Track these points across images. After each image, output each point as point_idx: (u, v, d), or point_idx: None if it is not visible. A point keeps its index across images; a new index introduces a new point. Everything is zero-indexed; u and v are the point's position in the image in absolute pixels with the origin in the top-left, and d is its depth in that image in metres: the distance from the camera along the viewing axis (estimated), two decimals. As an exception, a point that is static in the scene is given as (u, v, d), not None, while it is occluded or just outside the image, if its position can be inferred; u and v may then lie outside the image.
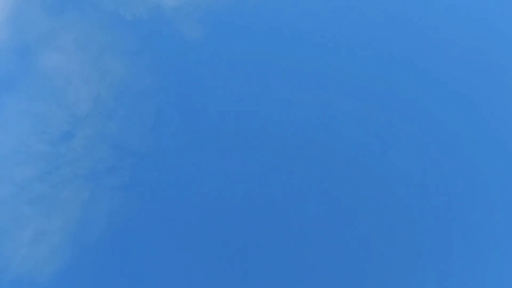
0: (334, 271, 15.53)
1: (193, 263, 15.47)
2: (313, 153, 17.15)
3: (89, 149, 17.32)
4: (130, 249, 15.91)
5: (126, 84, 18.37)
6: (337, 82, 18.32)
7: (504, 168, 17.05)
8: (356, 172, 16.99)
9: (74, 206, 16.58)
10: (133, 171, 16.99)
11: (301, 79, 18.54)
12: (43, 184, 16.79)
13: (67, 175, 16.92)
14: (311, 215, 16.33)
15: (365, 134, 17.42)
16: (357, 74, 18.39)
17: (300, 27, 19.42)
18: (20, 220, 16.37)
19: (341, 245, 15.95)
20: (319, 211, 16.41)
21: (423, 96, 18.32)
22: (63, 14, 19.53)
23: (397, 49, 19.03)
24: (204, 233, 15.89)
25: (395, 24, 19.52)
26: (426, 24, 19.44)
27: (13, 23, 19.46)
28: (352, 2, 19.76)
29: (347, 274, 15.54)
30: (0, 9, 19.34)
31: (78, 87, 18.28)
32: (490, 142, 17.48)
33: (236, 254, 15.57)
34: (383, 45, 19.01)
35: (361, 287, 15.39)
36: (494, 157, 17.26)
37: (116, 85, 18.33)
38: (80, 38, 19.12)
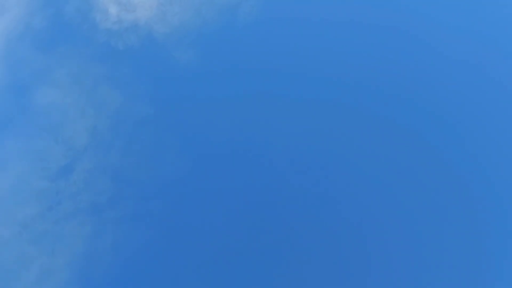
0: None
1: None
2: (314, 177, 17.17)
3: (89, 182, 17.29)
4: (136, 281, 15.75)
5: (123, 114, 18.41)
6: (335, 105, 18.43)
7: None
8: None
9: (78, 241, 16.49)
10: (135, 202, 16.92)
11: (297, 97, 18.64)
12: (45, 221, 16.72)
13: (68, 210, 16.86)
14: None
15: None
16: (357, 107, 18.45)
17: (292, 47, 19.59)
18: (24, 259, 16.24)
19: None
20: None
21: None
22: (55, 49, 19.67)
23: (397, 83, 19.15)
24: (210, 261, 15.77)
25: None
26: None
27: (6, 61, 19.58)
28: (348, 22, 19.94)
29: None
30: (-7, 48, 19.49)
31: (75, 120, 18.34)
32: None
33: (243, 282, 15.44)
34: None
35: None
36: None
37: (113, 116, 18.38)
38: (74, 72, 19.23)
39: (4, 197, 17.09)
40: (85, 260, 16.13)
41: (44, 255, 16.25)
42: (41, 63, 19.37)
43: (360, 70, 18.92)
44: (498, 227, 16.04)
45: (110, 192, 17.07)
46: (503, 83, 18.41)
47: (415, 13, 19.85)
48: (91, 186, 17.18)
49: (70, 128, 18.17)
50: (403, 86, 18.59)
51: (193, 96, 18.86)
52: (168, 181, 17.14)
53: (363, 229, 16.21)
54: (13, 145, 17.85)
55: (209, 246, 16.04)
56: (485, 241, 15.85)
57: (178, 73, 19.33)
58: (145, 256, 16.08)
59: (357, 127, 17.93)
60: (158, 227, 16.49)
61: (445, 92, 18.44)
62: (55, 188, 17.16)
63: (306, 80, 18.80)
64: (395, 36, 19.50)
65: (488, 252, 15.68)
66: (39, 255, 16.24)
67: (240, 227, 16.31)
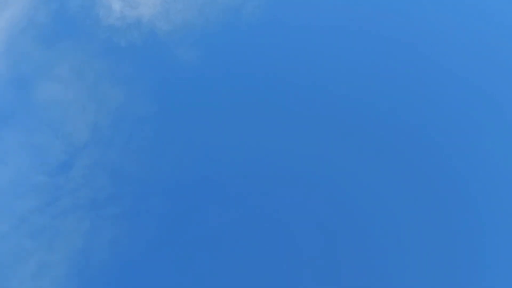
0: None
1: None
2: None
3: (89, 178, 17.26)
4: (134, 278, 15.77)
5: (124, 111, 18.40)
6: (337, 105, 18.54)
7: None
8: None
9: (76, 236, 16.45)
10: (134, 199, 16.93)
11: (299, 98, 18.70)
12: (43, 216, 16.67)
13: (67, 205, 16.83)
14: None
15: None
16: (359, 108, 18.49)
17: (295, 48, 19.62)
18: (21, 253, 16.21)
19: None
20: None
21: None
22: (57, 44, 19.63)
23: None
24: (208, 260, 15.80)
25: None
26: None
27: (8, 55, 19.51)
28: (352, 24, 20.06)
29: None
30: (-5, 41, 19.45)
31: (76, 116, 18.31)
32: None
33: (242, 280, 15.50)
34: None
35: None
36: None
37: (114, 113, 18.36)
38: (76, 67, 19.21)
39: (3, 191, 17.06)
40: (82, 256, 16.08)
41: (42, 249, 16.20)
42: (43, 58, 19.34)
43: (364, 72, 19.03)
44: (493, 229, 16.14)
45: (109, 189, 17.06)
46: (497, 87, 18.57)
47: (420, 22, 19.95)
48: (91, 182, 17.15)
49: (70, 123, 18.16)
50: (405, 91, 18.72)
51: (194, 95, 18.89)
52: (168, 179, 17.16)
53: (362, 230, 16.29)
54: (13, 139, 17.84)
55: (209, 244, 16.07)
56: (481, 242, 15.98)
57: (179, 72, 19.35)
58: (143, 253, 16.08)
59: (362, 128, 18.06)
60: (156, 224, 16.50)
61: (445, 100, 18.56)
62: (54, 183, 17.13)
63: (308, 82, 18.86)
64: (401, 39, 19.61)
65: (485, 254, 15.80)
66: (36, 249, 16.21)
67: (240, 225, 16.34)
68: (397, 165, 17.37)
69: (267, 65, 19.28)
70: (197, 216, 16.55)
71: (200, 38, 19.97)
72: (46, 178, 17.23)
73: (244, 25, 20.07)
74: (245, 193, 16.87)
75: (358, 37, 19.68)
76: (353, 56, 19.37)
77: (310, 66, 19.18)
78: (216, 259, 15.86)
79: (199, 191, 16.98)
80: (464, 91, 18.64)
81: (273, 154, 17.63)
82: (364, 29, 19.78)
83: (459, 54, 19.32)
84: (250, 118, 18.28)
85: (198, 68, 19.34)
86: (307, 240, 16.16)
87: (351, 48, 19.55)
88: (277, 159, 17.52)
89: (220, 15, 20.29)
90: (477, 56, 19.27)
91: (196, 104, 18.66)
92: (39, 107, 18.43)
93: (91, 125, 18.09)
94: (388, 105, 18.42)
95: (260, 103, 18.59)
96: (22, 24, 19.89)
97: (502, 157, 17.28)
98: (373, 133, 17.92)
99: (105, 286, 15.63)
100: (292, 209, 16.68)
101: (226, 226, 16.33)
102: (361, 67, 19.11)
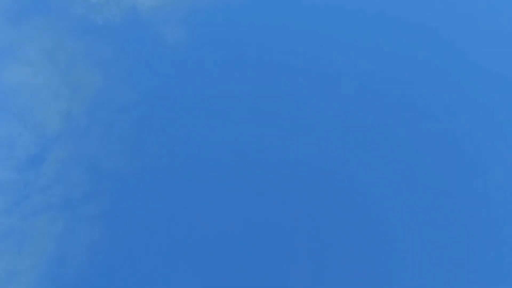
0: None
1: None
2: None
3: (62, 174, 16.33)
4: (113, 286, 14.77)
5: (101, 98, 17.46)
6: (328, 87, 17.84)
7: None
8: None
9: (48, 240, 15.50)
10: (112, 197, 16.00)
11: (287, 78, 17.94)
12: (11, 216, 15.71)
13: (38, 205, 15.90)
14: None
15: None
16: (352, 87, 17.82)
17: (286, 24, 19.01)
18: (-13, 259, 15.26)
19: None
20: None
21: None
22: (26, 21, 18.58)
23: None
24: (192, 262, 14.84)
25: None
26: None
27: (-30, 34, 18.22)
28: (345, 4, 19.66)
29: None
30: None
31: (47, 103, 17.32)
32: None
33: (227, 283, 14.58)
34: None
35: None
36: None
37: (90, 100, 17.42)
38: (47, 48, 18.23)
39: (-35, 189, 16.03)
40: (55, 262, 15.18)
41: (10, 254, 15.25)
42: (9, 37, 18.24)
43: (355, 55, 18.52)
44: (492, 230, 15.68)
45: (85, 186, 16.15)
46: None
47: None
48: (64, 179, 16.25)
49: (41, 112, 17.16)
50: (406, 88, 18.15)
51: (180, 80, 17.94)
52: (151, 175, 16.23)
53: (361, 231, 15.68)
54: (-24, 130, 16.78)
55: (193, 246, 15.18)
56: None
57: (164, 53, 18.42)
58: (123, 258, 15.11)
59: (360, 126, 17.41)
60: (138, 226, 15.55)
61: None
62: (23, 180, 16.21)
63: (300, 62, 18.19)
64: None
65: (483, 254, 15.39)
66: (3, 254, 15.21)
67: (227, 226, 15.51)
68: (395, 166, 16.90)
69: (258, 45, 18.63)
70: (182, 216, 15.67)
71: (187, 15, 19.17)
72: (14, 174, 16.28)
73: (234, 1, 19.45)
74: (233, 190, 16.10)
75: (350, 18, 19.31)
76: (343, 35, 18.92)
77: (302, 45, 18.60)
78: (201, 262, 15.02)
79: (185, 188, 16.13)
80: (462, 91, 18.29)
81: (262, 144, 16.93)
82: (359, 10, 19.28)
83: (458, 53, 19.12)
84: (240, 108, 17.69)
85: (185, 49, 18.52)
86: (303, 241, 15.51)
87: (342, 28, 19.07)
88: (265, 150, 16.83)
89: (209, -11, 19.36)
90: (477, 55, 19.04)
91: (183, 90, 17.81)
92: (5, 93, 17.37)
93: (64, 114, 17.15)
94: (386, 104, 17.96)
95: (251, 88, 17.94)
96: (-17, -2, 18.63)
97: (501, 157, 17.00)
98: (370, 132, 17.46)
99: (80, 296, 14.82)
100: (286, 208, 15.99)
101: (211, 227, 15.51)
102: (354, 49, 18.70)
